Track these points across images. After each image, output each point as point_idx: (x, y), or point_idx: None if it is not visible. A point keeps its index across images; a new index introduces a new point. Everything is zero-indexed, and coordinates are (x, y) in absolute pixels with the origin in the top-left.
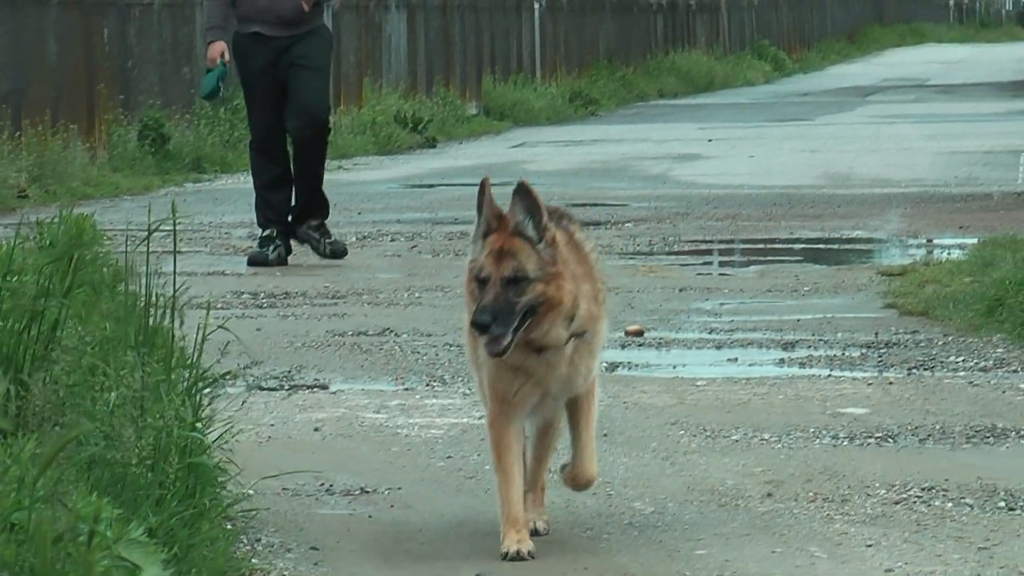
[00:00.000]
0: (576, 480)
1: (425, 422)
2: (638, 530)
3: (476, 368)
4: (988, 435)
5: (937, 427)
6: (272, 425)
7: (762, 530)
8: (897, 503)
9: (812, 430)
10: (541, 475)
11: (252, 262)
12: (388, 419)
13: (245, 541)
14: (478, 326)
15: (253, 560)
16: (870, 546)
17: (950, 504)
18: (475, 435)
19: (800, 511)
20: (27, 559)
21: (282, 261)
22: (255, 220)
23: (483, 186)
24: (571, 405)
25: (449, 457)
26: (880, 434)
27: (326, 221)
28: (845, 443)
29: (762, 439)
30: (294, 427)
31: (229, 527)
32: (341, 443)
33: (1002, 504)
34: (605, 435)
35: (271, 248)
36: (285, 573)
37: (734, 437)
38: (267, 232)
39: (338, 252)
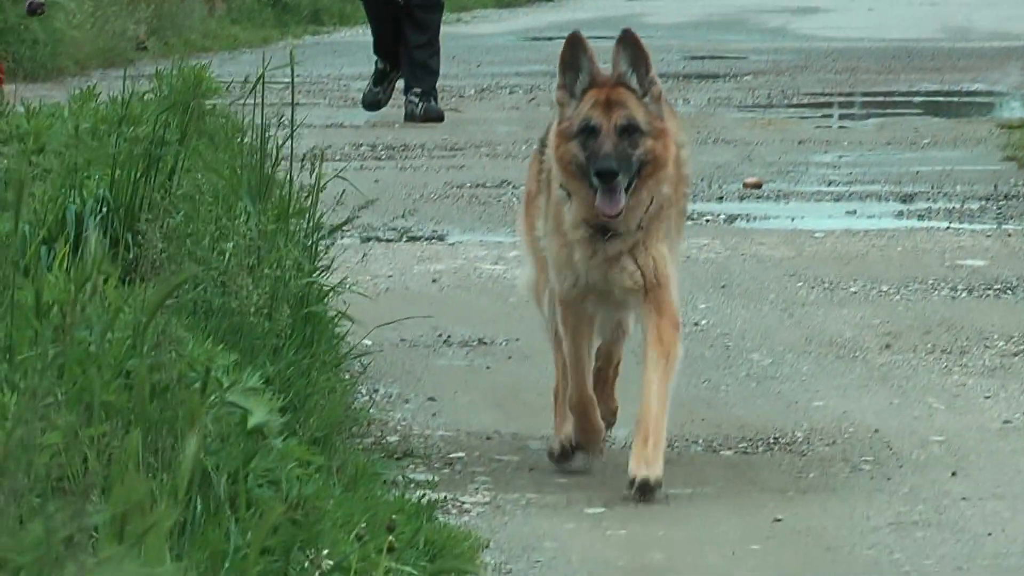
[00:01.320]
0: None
1: None
2: (756, 381)
3: (532, 249)
4: None
5: None
6: (389, 276)
7: (880, 381)
8: (1016, 355)
9: (930, 282)
10: (609, 381)
11: (366, 103)
12: (505, 270)
13: (363, 391)
14: (604, 174)
15: (371, 410)
16: (988, 398)
17: None
18: None
19: (918, 363)
20: (136, 406)
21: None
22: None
23: (577, 40)
24: (646, 334)
25: None
26: (999, 286)
27: (431, 88)
28: (963, 295)
29: (880, 291)
30: (411, 278)
31: (346, 377)
32: (458, 294)
33: None
34: (723, 287)
35: (385, 85)
36: (403, 423)
37: (852, 289)
38: (383, 65)
39: (432, 115)
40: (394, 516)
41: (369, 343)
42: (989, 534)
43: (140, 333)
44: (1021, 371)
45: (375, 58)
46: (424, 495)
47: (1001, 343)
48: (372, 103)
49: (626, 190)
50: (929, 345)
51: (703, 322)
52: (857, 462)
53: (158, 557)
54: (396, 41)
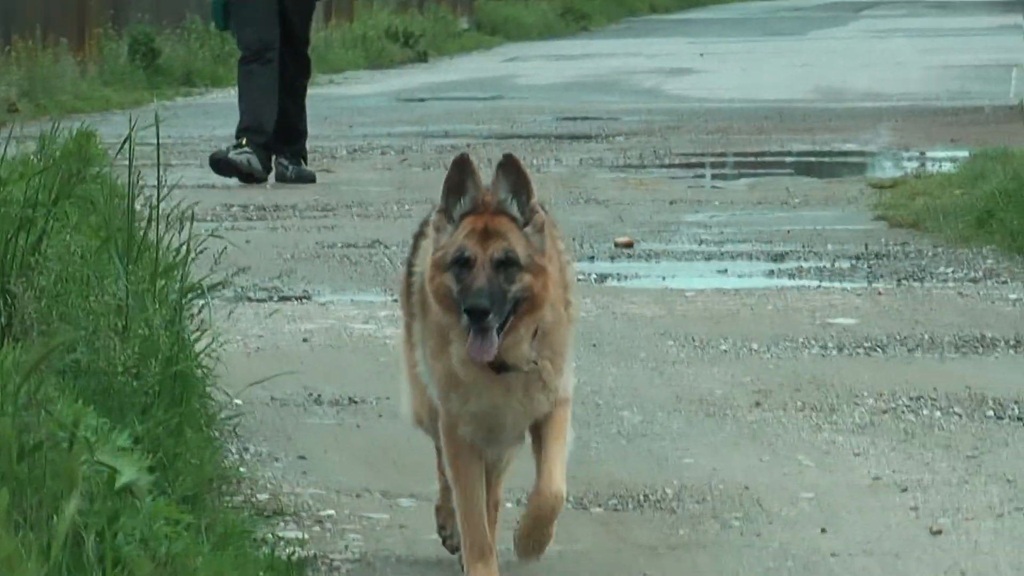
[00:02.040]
0: (539, 498)
1: None
2: (626, 439)
3: (412, 374)
4: (977, 345)
5: (926, 337)
6: (260, 336)
7: (750, 439)
8: (885, 412)
9: (801, 340)
10: (493, 493)
11: (212, 160)
12: (376, 329)
13: (232, 450)
14: (475, 312)
15: (241, 468)
16: (858, 455)
17: (938, 413)
18: None
19: (788, 420)
20: (3, 466)
21: (253, 171)
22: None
23: (464, 163)
24: (536, 432)
25: None
26: (869, 344)
27: (300, 148)
28: (834, 353)
29: (751, 349)
30: (282, 338)
31: (216, 436)
32: (329, 353)
33: (990, 413)
34: (594, 345)
35: (235, 150)
36: (273, 481)
37: (723, 347)
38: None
39: (304, 177)
40: (263, 574)
41: (239, 402)
42: None
43: (13, 394)
44: (890, 428)
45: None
46: (294, 552)
47: (871, 400)
48: (219, 161)
49: (500, 329)
50: (799, 403)
51: (574, 381)
52: (727, 519)
53: None
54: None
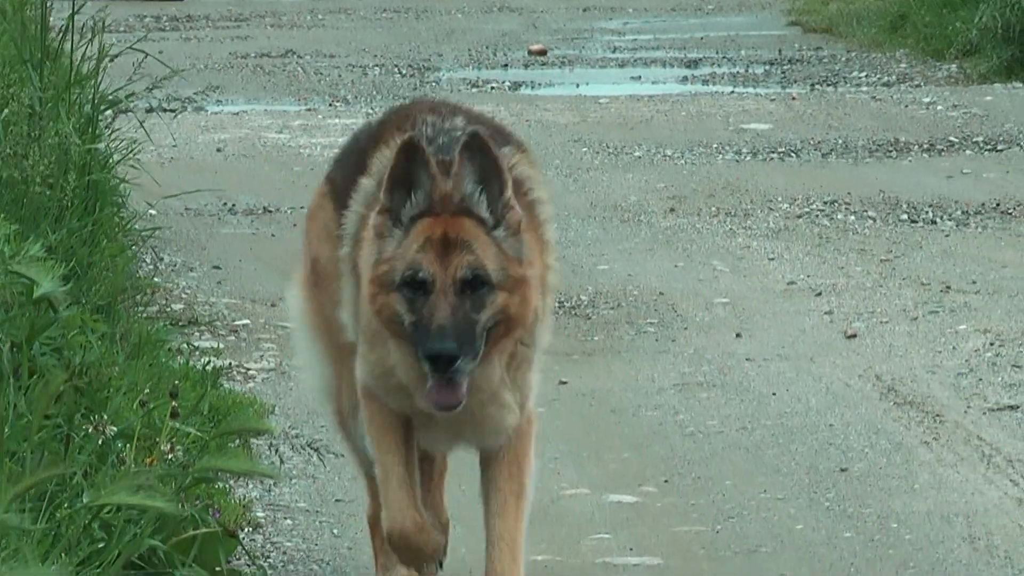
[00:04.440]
0: None
1: (327, 142)
2: None
3: (323, 339)
4: (891, 149)
5: (840, 142)
6: (175, 146)
7: (665, 245)
8: (800, 217)
9: (715, 146)
10: (438, 500)
11: None
12: (290, 139)
13: (147, 260)
14: (442, 359)
15: (155, 279)
16: (772, 259)
17: (853, 217)
18: None
19: (703, 226)
20: None
21: None
22: None
23: (412, 148)
24: (487, 461)
25: None
26: (783, 149)
27: None
28: (748, 158)
29: (665, 155)
30: (196, 148)
31: (130, 246)
32: (244, 163)
33: (904, 217)
34: None
35: None
36: (188, 291)
37: (637, 154)
38: None
39: None
40: (178, 382)
41: (154, 212)
42: (773, 394)
43: None
44: (805, 233)
45: None
46: (209, 362)
47: (785, 205)
48: None
49: (472, 360)
50: (713, 208)
51: None
52: (642, 324)
53: None
54: None
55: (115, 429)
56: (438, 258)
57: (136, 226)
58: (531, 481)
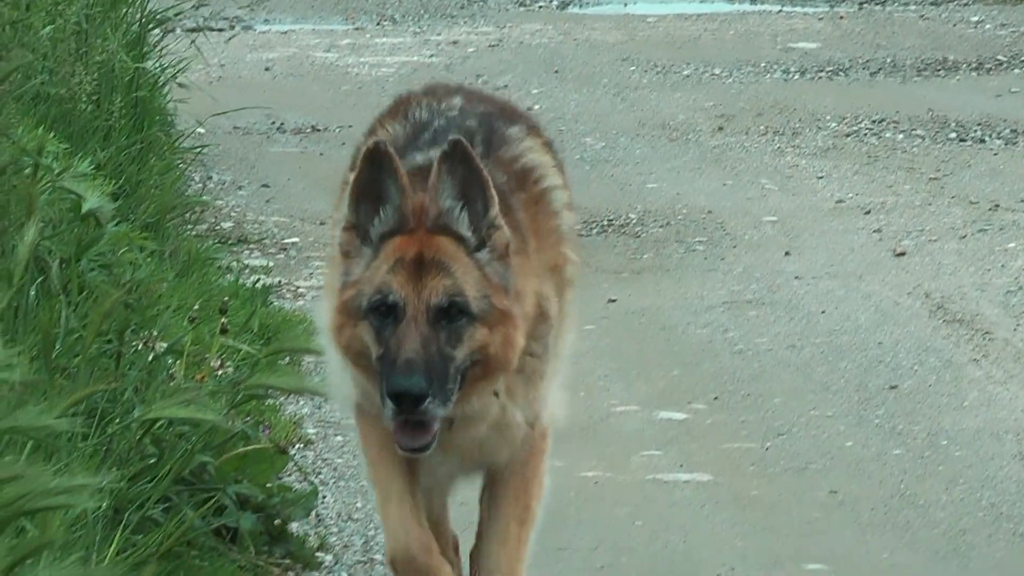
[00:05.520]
0: None
1: (375, 61)
2: (590, 165)
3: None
4: (939, 68)
5: (888, 60)
6: (222, 65)
7: (713, 163)
8: (848, 135)
9: (763, 64)
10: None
11: None
12: (338, 58)
13: (196, 179)
14: (406, 398)
15: (204, 197)
16: (821, 178)
17: (901, 136)
18: (426, 73)
19: (751, 144)
20: None
21: None
22: None
23: (380, 155)
24: (491, 477)
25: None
26: (831, 68)
27: None
28: (796, 77)
29: (713, 74)
30: (244, 67)
31: (179, 164)
32: (292, 82)
33: (953, 135)
34: (556, 72)
35: None
36: (237, 210)
37: (685, 72)
38: None
39: None
40: (228, 299)
41: (202, 131)
42: (822, 312)
43: None
44: (853, 151)
45: None
46: (258, 280)
47: (833, 124)
48: None
49: (444, 407)
50: (762, 127)
51: (536, 107)
52: (691, 243)
53: None
54: None
55: (165, 345)
56: (410, 281)
57: (184, 145)
58: (539, 505)
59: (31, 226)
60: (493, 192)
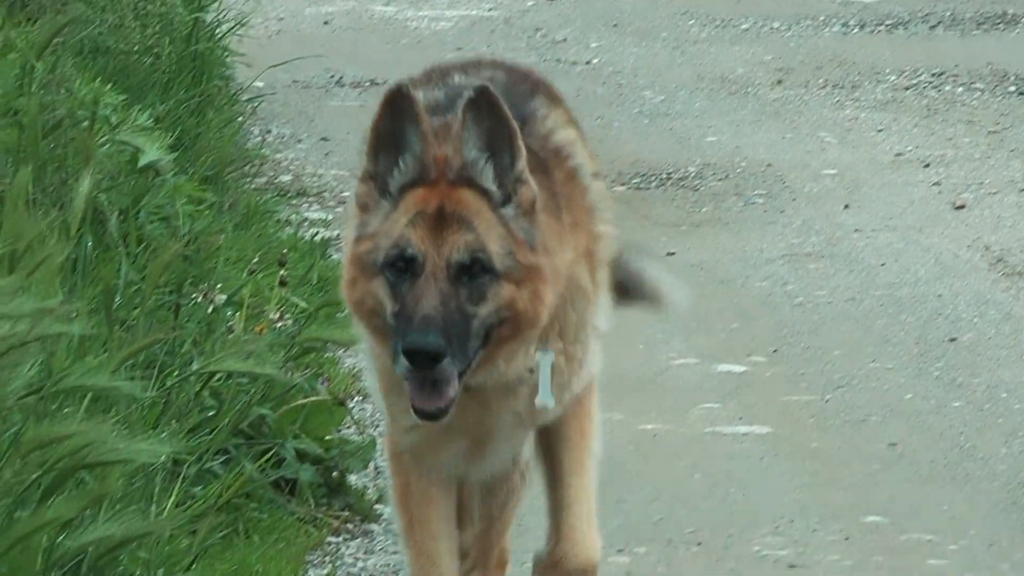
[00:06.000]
0: (559, 568)
1: (434, 15)
2: (648, 118)
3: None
4: (999, 21)
5: (947, 14)
6: (281, 19)
7: (772, 117)
8: (907, 88)
9: (822, 18)
10: (494, 544)
11: None
12: (397, 12)
13: (255, 131)
14: (418, 357)
15: (263, 150)
16: (880, 131)
17: (960, 89)
18: (485, 27)
19: (810, 97)
20: (28, 144)
21: None
22: None
23: (401, 99)
24: (546, 432)
25: (459, 48)
26: (890, 21)
27: None
28: (855, 31)
29: (772, 28)
30: (303, 20)
31: (238, 117)
32: (350, 36)
33: (1012, 89)
34: (615, 25)
35: None
36: (296, 163)
37: (744, 26)
38: None
39: None
40: (286, 252)
41: (261, 84)
42: (882, 264)
43: (28, 72)
44: (913, 104)
45: None
46: (317, 233)
47: (892, 77)
48: None
49: (462, 372)
50: (821, 80)
51: (595, 60)
52: (750, 196)
53: (49, 292)
54: None
55: (224, 298)
56: (430, 235)
57: (243, 98)
58: (599, 445)
59: (86, 177)
60: (521, 144)
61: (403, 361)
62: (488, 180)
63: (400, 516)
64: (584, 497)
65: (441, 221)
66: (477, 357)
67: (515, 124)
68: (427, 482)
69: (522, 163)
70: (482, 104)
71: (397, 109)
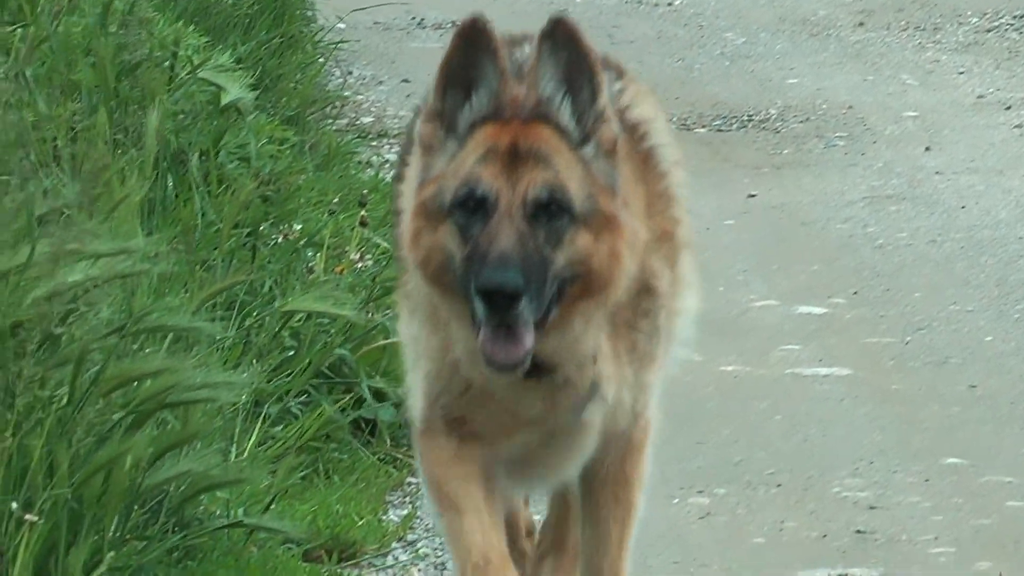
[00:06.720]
0: None
1: None
2: (730, 60)
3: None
4: None
5: None
6: None
7: (854, 58)
8: (989, 31)
9: None
10: (571, 530)
11: None
12: None
13: (336, 73)
14: (497, 296)
15: (345, 92)
16: (962, 73)
17: None
18: None
19: (892, 39)
20: (104, 83)
21: None
22: None
23: (477, 30)
24: (587, 473)
25: None
26: None
27: None
28: None
29: None
30: None
31: (319, 59)
32: None
33: None
34: None
35: None
36: (377, 104)
37: None
38: None
39: None
40: (367, 193)
41: (343, 26)
42: (963, 207)
43: (106, 13)
44: (994, 47)
45: None
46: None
47: (974, 19)
48: None
49: (540, 323)
50: (903, 22)
51: (676, 2)
52: (831, 138)
53: (130, 231)
54: None
55: (304, 238)
56: (504, 172)
57: (325, 39)
58: (641, 498)
59: (154, 111)
60: (602, 79)
61: (479, 303)
62: (566, 117)
63: (435, 490)
64: (620, 546)
65: (515, 157)
66: (552, 313)
67: (596, 55)
68: (457, 453)
69: (603, 100)
70: (559, 35)
71: (472, 42)
